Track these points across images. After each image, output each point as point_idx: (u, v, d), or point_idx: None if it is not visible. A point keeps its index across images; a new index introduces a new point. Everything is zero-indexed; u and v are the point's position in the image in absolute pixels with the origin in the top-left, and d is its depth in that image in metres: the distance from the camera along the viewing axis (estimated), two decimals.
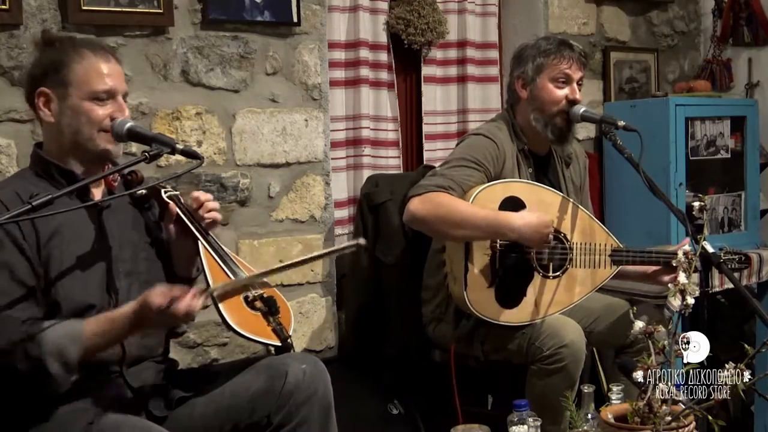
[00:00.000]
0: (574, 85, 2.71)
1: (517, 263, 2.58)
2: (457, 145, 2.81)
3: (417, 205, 2.56)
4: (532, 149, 2.77)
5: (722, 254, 2.68)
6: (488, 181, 2.61)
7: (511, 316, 2.56)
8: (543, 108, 2.71)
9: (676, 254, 2.61)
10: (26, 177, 2.00)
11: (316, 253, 2.26)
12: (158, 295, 1.82)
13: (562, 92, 2.70)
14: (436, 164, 2.89)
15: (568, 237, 2.64)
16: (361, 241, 2.20)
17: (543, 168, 2.80)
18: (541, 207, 2.62)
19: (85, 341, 1.83)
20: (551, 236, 2.54)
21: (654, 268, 2.71)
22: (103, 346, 1.87)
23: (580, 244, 2.65)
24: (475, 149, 2.65)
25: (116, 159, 2.04)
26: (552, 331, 2.52)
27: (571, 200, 2.71)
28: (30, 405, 1.88)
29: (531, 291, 2.59)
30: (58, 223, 1.91)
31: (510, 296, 2.55)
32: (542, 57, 2.71)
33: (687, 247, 2.00)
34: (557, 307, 2.61)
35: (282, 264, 2.18)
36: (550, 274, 2.61)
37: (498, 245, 2.56)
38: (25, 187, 1.93)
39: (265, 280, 2.11)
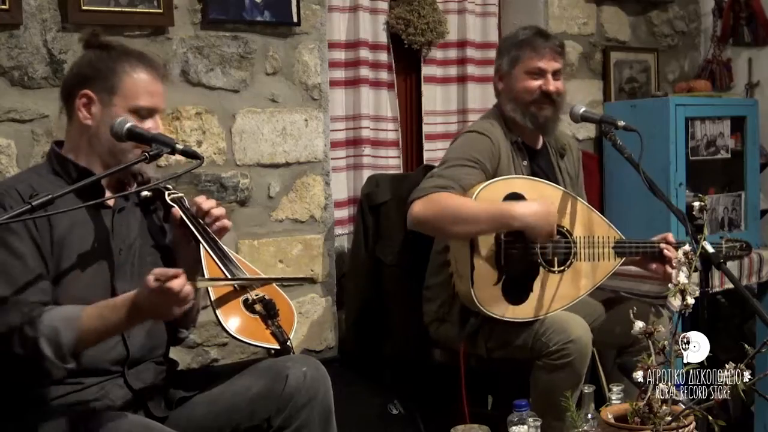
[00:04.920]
0: (549, 76, 2.74)
1: (523, 258, 2.59)
2: (451, 143, 2.83)
3: (419, 207, 2.58)
4: (527, 142, 2.80)
5: (723, 242, 2.72)
6: (486, 178, 2.62)
7: (518, 312, 2.57)
8: (518, 98, 2.76)
9: (680, 244, 2.66)
10: (42, 173, 2.00)
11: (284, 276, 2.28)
12: (155, 274, 1.78)
13: (536, 83, 2.74)
14: (436, 164, 2.90)
15: (571, 231, 2.66)
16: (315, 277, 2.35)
17: (538, 160, 2.82)
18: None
19: (81, 326, 1.80)
20: (555, 229, 2.54)
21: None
22: (101, 332, 1.83)
23: (584, 237, 2.67)
24: (471, 147, 2.68)
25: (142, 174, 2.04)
26: (558, 327, 2.52)
27: (572, 194, 2.72)
28: (29, 403, 1.88)
29: (537, 286, 2.60)
30: (72, 222, 1.92)
31: (517, 292, 2.55)
32: (516, 50, 2.77)
33: (687, 247, 2.00)
34: (564, 301, 2.62)
35: (262, 277, 2.16)
36: (555, 268, 2.62)
37: (502, 239, 2.56)
38: (40, 183, 1.93)
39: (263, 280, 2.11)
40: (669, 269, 2.68)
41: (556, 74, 2.75)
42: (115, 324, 1.84)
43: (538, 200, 2.57)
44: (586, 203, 2.76)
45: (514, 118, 2.76)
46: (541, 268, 2.61)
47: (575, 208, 2.69)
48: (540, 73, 2.73)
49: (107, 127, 1.95)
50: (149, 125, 1.99)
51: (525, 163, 2.76)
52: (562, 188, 2.73)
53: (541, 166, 2.81)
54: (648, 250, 2.72)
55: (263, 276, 2.12)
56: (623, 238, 2.73)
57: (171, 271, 1.77)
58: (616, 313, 2.78)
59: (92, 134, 1.98)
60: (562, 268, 2.64)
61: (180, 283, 1.76)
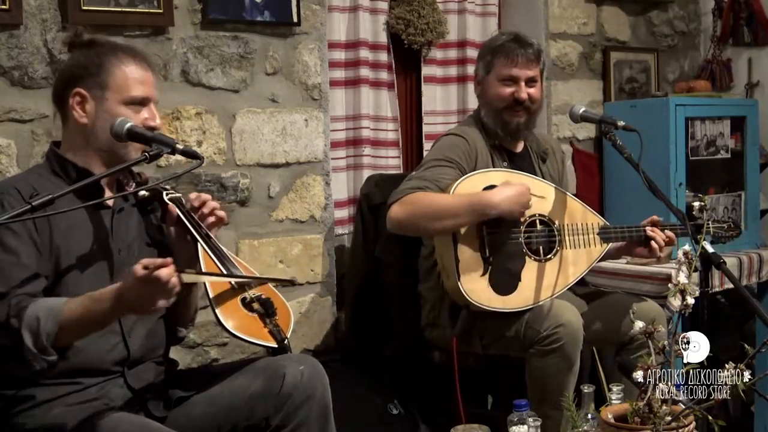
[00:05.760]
0: (521, 84, 2.74)
1: (507, 248, 2.60)
2: (431, 148, 2.84)
3: (396, 210, 2.60)
4: (505, 145, 2.81)
5: (710, 223, 2.73)
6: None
7: (509, 303, 2.58)
8: (490, 104, 2.78)
9: (665, 225, 2.73)
10: (43, 174, 2.00)
11: (267, 276, 2.25)
12: (141, 264, 1.74)
13: (509, 90, 2.75)
14: None
15: (554, 220, 2.67)
16: (295, 280, 2.30)
17: (518, 164, 2.83)
18: None
19: (62, 317, 1.77)
20: (530, 203, 2.56)
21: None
22: (83, 324, 1.80)
23: (568, 225, 2.68)
24: (446, 148, 2.71)
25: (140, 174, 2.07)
26: (548, 313, 2.54)
27: (551, 184, 2.75)
28: (30, 403, 1.88)
29: (526, 276, 2.60)
30: (72, 223, 1.92)
31: (505, 283, 2.56)
32: (491, 56, 2.79)
33: (687, 247, 2.00)
34: (554, 290, 2.63)
35: (255, 276, 2.14)
36: (542, 257, 2.63)
37: (485, 230, 2.58)
38: (41, 183, 1.94)
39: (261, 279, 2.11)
40: (654, 245, 2.70)
41: (530, 81, 2.76)
42: (98, 315, 1.80)
43: (507, 183, 2.57)
44: (567, 192, 2.77)
45: (488, 123, 2.79)
46: (527, 258, 2.62)
47: (556, 197, 2.70)
48: (513, 80, 2.74)
49: (103, 123, 1.96)
50: (145, 115, 2.00)
51: (505, 164, 2.78)
52: (540, 179, 2.75)
53: (522, 168, 2.82)
54: (633, 234, 2.74)
55: (256, 275, 2.11)
56: (607, 224, 2.75)
57: (159, 260, 1.74)
58: (597, 307, 2.80)
59: (89, 132, 1.98)
60: (548, 256, 2.65)
61: (168, 272, 1.73)
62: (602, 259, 2.84)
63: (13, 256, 1.84)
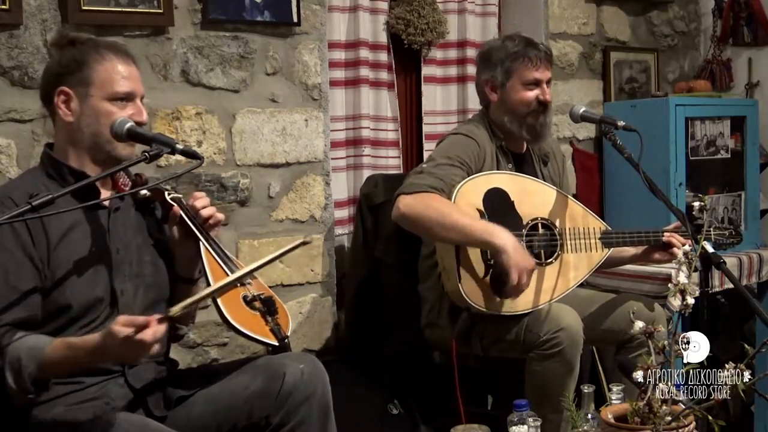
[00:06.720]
0: (544, 86, 2.76)
1: None
2: (437, 144, 2.85)
3: (407, 202, 2.58)
4: (510, 147, 2.82)
5: (712, 230, 2.73)
6: None
7: (509, 306, 2.57)
8: (515, 110, 2.76)
9: (664, 233, 2.72)
10: (37, 177, 2.00)
11: (272, 255, 2.20)
12: (123, 323, 1.73)
13: (533, 93, 2.75)
14: None
15: (556, 224, 2.67)
16: (307, 239, 2.20)
17: (522, 165, 2.84)
18: (524, 195, 2.66)
19: (43, 360, 1.78)
20: (529, 277, 2.50)
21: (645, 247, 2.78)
22: (62, 368, 1.82)
23: (569, 229, 2.68)
24: (458, 148, 2.70)
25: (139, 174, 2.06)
26: (548, 317, 2.54)
27: (554, 187, 2.75)
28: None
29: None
30: (69, 225, 1.92)
31: (506, 286, 2.55)
32: (510, 61, 2.76)
33: (687, 247, 2.00)
34: (554, 293, 2.64)
35: (246, 269, 2.11)
36: (543, 261, 2.63)
37: None
38: (36, 188, 1.92)
39: (261, 282, 2.10)
40: (676, 251, 2.68)
41: (548, 83, 2.78)
42: (78, 362, 1.82)
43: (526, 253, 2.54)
44: (570, 196, 2.77)
45: (511, 130, 2.77)
46: None
47: (560, 201, 2.70)
48: (536, 84, 2.75)
49: (88, 120, 1.96)
50: (131, 111, 1.98)
51: (510, 166, 2.78)
52: (544, 182, 2.76)
53: (525, 170, 2.82)
54: (636, 240, 2.74)
55: (252, 267, 2.07)
56: (609, 228, 2.75)
57: (140, 319, 1.74)
58: (597, 306, 2.79)
59: (74, 130, 1.97)
60: (549, 260, 2.65)
61: (152, 333, 1.73)
62: (614, 265, 2.84)
63: (2, 275, 1.84)
